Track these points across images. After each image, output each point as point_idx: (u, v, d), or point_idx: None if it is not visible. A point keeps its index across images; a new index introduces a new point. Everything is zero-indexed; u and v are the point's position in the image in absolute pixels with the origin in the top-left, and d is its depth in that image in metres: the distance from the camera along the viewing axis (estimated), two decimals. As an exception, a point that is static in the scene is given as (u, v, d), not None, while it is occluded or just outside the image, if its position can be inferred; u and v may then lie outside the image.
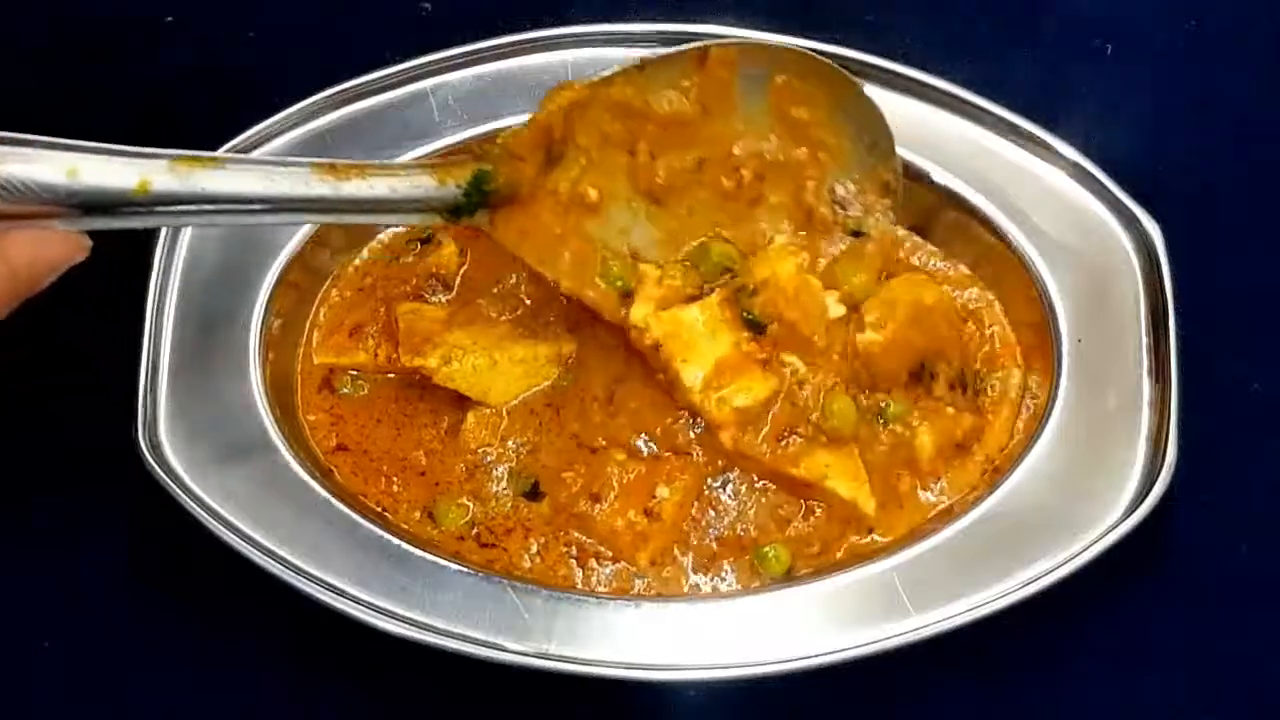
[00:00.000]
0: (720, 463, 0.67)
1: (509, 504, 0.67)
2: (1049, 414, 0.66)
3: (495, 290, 0.70)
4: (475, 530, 0.67)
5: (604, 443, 0.67)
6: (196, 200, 0.54)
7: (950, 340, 0.68)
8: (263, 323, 0.67)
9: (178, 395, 0.66)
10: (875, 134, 0.67)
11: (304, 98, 0.69)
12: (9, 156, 0.51)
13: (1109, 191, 0.68)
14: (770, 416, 0.66)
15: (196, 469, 0.65)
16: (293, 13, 0.78)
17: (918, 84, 0.69)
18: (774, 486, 0.67)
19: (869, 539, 0.67)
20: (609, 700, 0.68)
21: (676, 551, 0.67)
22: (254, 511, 0.64)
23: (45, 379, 0.72)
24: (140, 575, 0.70)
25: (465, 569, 0.64)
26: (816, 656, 0.62)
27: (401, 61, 0.69)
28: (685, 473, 0.67)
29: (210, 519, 0.63)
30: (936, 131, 0.69)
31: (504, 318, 0.69)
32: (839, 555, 0.66)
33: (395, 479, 0.68)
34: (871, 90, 0.69)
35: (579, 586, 0.66)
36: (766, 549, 0.66)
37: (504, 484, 0.68)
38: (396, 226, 0.70)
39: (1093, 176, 0.68)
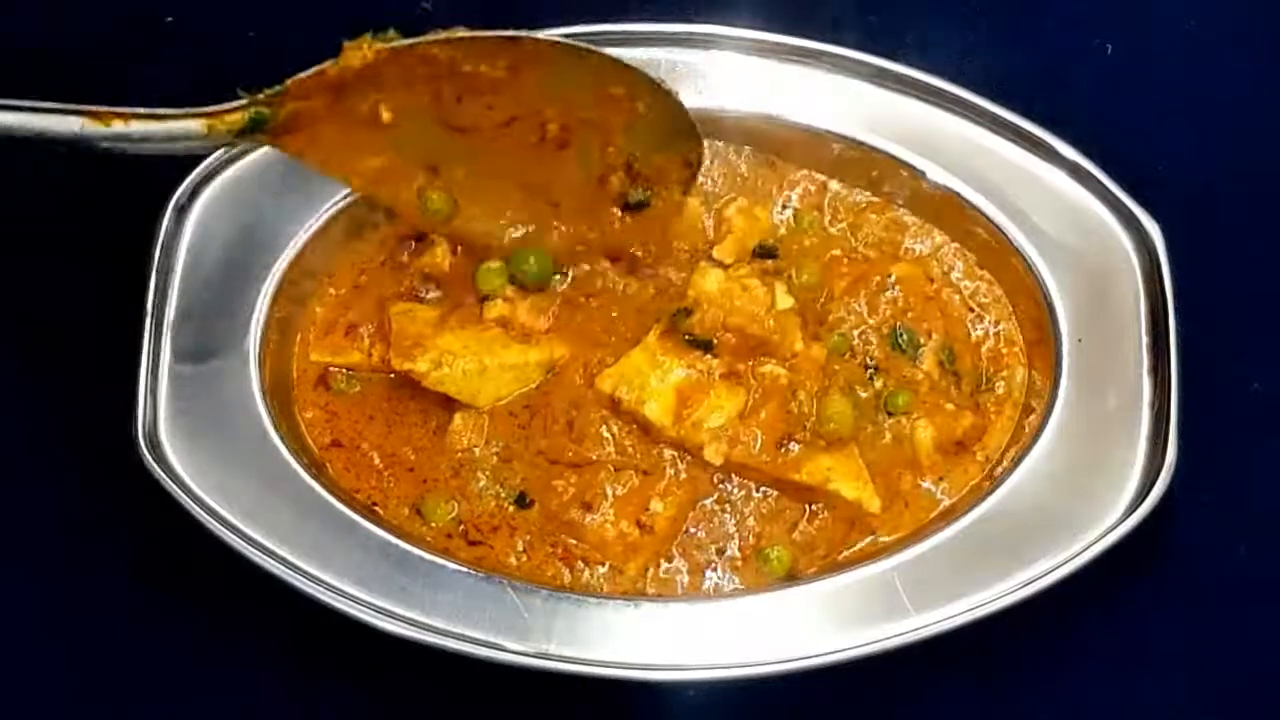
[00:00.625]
0: (716, 477, 0.67)
1: (493, 503, 0.67)
2: (1049, 414, 0.66)
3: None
4: (463, 528, 0.67)
5: (573, 457, 0.67)
6: None
7: (929, 310, 0.69)
8: (263, 323, 0.67)
9: (178, 395, 0.66)
10: (681, 121, 0.67)
11: (304, 98, 0.69)
12: None
13: (1109, 191, 0.68)
14: (763, 425, 0.66)
15: (196, 469, 0.65)
16: (293, 13, 0.78)
17: (918, 84, 0.69)
18: (775, 493, 0.67)
19: (870, 540, 0.66)
20: (609, 700, 0.68)
21: (677, 556, 0.67)
22: (254, 511, 0.64)
23: (45, 379, 0.72)
24: (140, 575, 0.70)
25: (465, 569, 0.64)
26: (816, 656, 0.62)
27: (401, 61, 0.69)
28: (680, 488, 0.67)
29: (210, 519, 0.63)
30: (936, 131, 0.69)
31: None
32: (845, 556, 0.66)
33: (386, 475, 0.68)
34: (872, 90, 0.69)
35: (566, 585, 0.66)
36: (769, 550, 0.66)
37: (486, 484, 0.68)
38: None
39: (1093, 176, 0.68)
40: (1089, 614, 0.68)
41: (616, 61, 0.64)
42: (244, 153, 0.68)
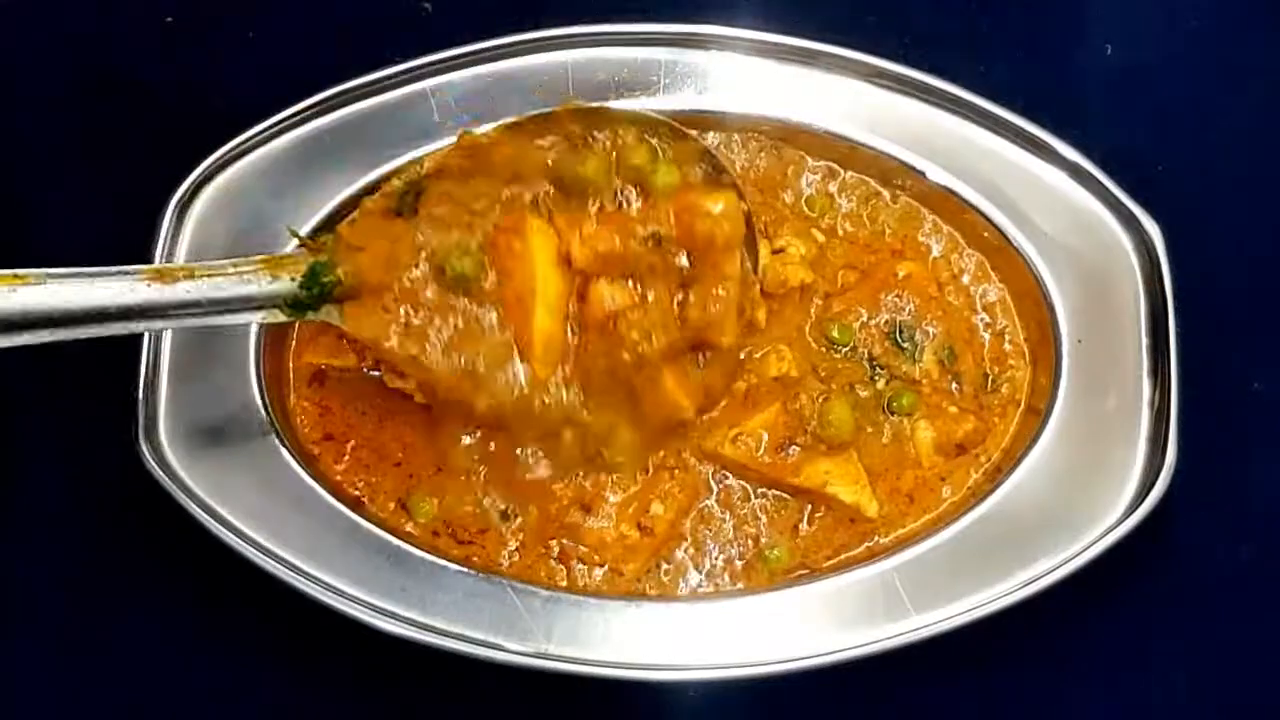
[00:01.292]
0: (716, 480, 0.67)
1: (474, 506, 0.67)
2: (1049, 414, 0.66)
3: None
4: (450, 528, 0.67)
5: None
6: (22, 324, 0.53)
7: (931, 309, 0.69)
8: (262, 323, 0.67)
9: (178, 395, 0.66)
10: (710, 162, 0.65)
11: (304, 98, 0.69)
12: None
13: (1109, 191, 0.68)
14: (766, 425, 0.66)
15: (196, 469, 0.65)
16: (293, 13, 0.78)
17: (918, 84, 0.69)
18: (774, 494, 0.67)
19: (872, 541, 0.67)
20: (609, 700, 0.68)
21: (677, 557, 0.67)
22: (254, 511, 0.64)
23: (45, 379, 0.72)
24: (140, 575, 0.70)
25: (465, 569, 0.64)
26: (816, 656, 0.62)
27: (401, 61, 0.69)
28: (681, 490, 0.67)
29: (210, 519, 0.64)
30: (937, 131, 0.69)
31: None
32: (845, 556, 0.66)
33: (374, 469, 0.68)
34: (872, 90, 0.69)
35: (564, 585, 0.66)
36: (769, 551, 0.66)
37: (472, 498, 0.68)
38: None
39: (1093, 176, 0.68)
40: (1089, 614, 0.68)
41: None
42: (244, 153, 0.68)
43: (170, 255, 0.67)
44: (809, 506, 0.67)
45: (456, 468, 0.67)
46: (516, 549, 0.67)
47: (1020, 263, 0.68)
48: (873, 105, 0.70)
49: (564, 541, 0.66)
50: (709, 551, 0.67)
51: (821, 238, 0.69)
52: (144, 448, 0.64)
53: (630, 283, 0.63)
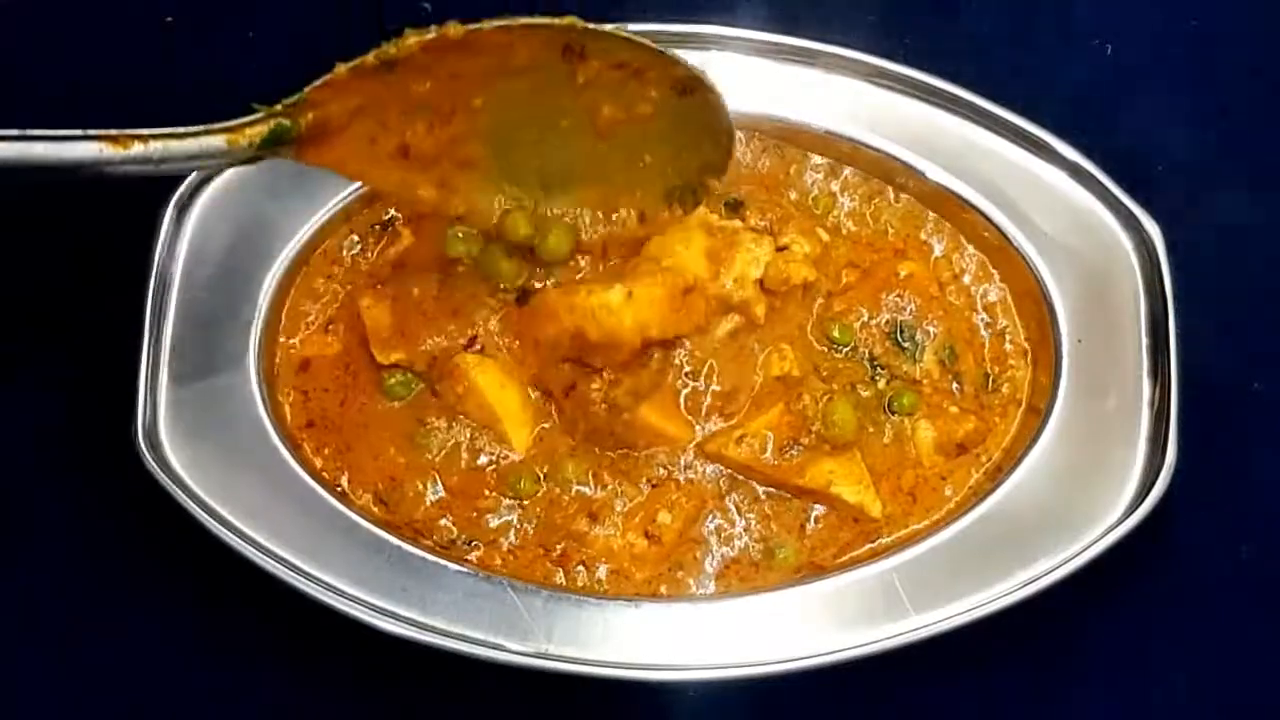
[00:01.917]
0: (722, 488, 0.67)
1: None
2: (1049, 414, 0.66)
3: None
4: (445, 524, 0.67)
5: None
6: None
7: (932, 309, 0.69)
8: (263, 323, 0.67)
9: (178, 395, 0.66)
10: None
11: (304, 98, 0.69)
12: None
13: (1109, 191, 0.68)
14: (771, 426, 0.66)
15: (196, 469, 0.65)
16: (293, 13, 0.78)
17: (918, 84, 0.69)
18: (779, 494, 0.67)
19: (877, 540, 0.66)
20: (609, 700, 0.68)
21: (686, 560, 0.66)
22: (254, 511, 0.64)
23: (45, 379, 0.72)
24: (140, 575, 0.70)
25: (464, 569, 0.64)
26: (816, 656, 0.62)
27: (401, 61, 0.69)
28: (689, 500, 0.67)
29: (210, 519, 0.63)
30: (937, 131, 0.69)
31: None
32: (849, 556, 0.66)
33: (352, 456, 0.68)
34: (872, 90, 0.69)
35: (566, 586, 0.66)
36: (776, 550, 0.66)
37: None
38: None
39: (1093, 176, 0.68)
40: (1089, 614, 0.68)
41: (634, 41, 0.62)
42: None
43: (170, 255, 0.67)
44: (814, 507, 0.67)
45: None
46: (510, 550, 0.66)
47: (1020, 263, 0.68)
48: (873, 105, 0.70)
49: (570, 545, 0.66)
50: (718, 554, 0.67)
51: (826, 236, 0.69)
52: (144, 448, 0.64)
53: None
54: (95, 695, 0.69)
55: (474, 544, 0.66)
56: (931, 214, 0.71)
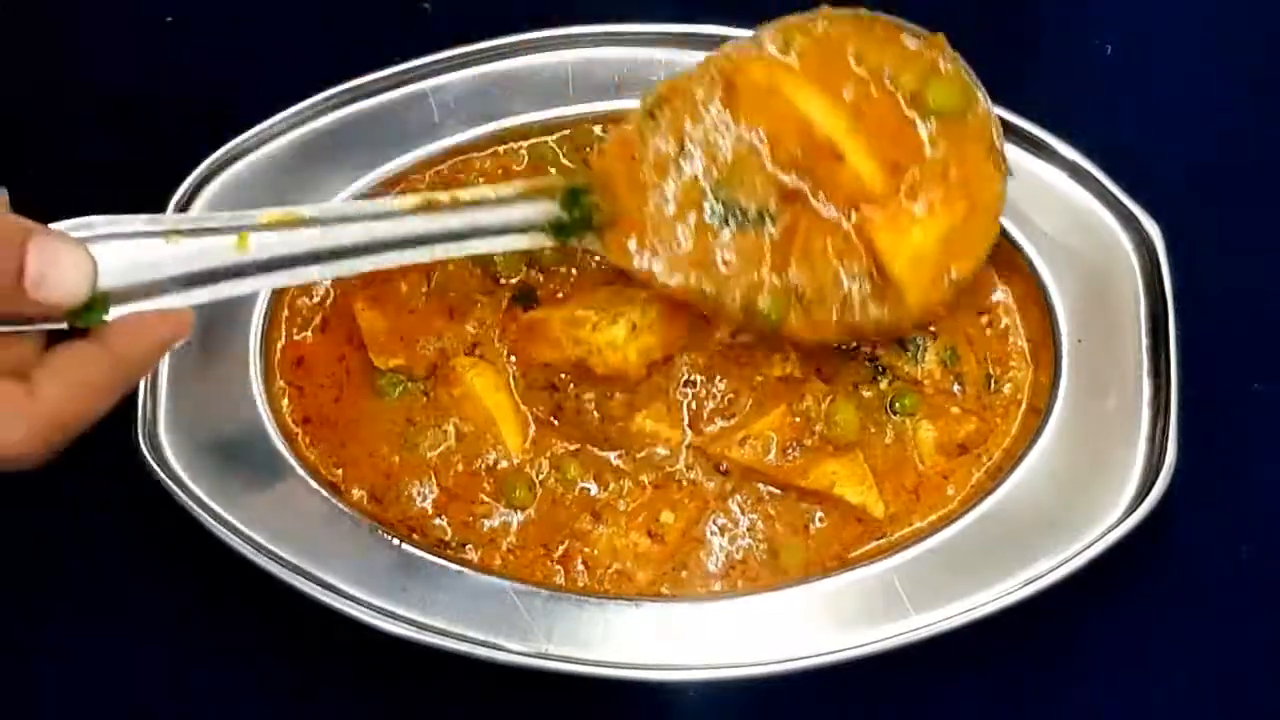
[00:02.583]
0: (726, 489, 0.67)
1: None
2: (1049, 414, 0.66)
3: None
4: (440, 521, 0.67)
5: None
6: (296, 261, 0.54)
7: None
8: (263, 323, 0.67)
9: (178, 395, 0.66)
10: None
11: (304, 98, 0.69)
12: (105, 235, 0.51)
13: (1109, 191, 0.68)
14: (773, 427, 0.66)
15: (196, 469, 0.65)
16: (293, 12, 0.77)
17: (918, 84, 0.69)
18: (781, 494, 0.67)
19: (881, 539, 0.66)
20: (609, 700, 0.68)
21: (689, 560, 0.66)
22: (254, 511, 0.64)
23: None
24: (140, 575, 0.70)
25: (465, 569, 0.64)
26: (816, 656, 0.62)
27: (401, 62, 0.69)
28: (691, 500, 0.66)
29: (210, 519, 0.64)
30: (936, 131, 0.69)
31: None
32: (851, 556, 0.66)
33: (351, 452, 0.67)
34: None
35: (566, 586, 0.66)
36: (783, 550, 0.66)
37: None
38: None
39: (1093, 176, 0.68)
40: (1089, 614, 0.68)
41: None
42: (244, 153, 0.68)
43: (170, 255, 0.67)
44: (817, 507, 0.67)
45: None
46: (509, 550, 0.66)
47: (1020, 263, 0.68)
48: (873, 105, 0.70)
49: (573, 544, 0.66)
50: (721, 554, 0.66)
51: None
52: (144, 448, 0.64)
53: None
54: (95, 695, 0.69)
55: (467, 546, 0.66)
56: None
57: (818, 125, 0.61)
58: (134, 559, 0.70)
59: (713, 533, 0.67)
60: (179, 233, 0.52)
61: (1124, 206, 0.67)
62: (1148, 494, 0.63)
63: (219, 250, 0.53)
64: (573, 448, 0.67)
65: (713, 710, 0.67)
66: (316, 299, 0.69)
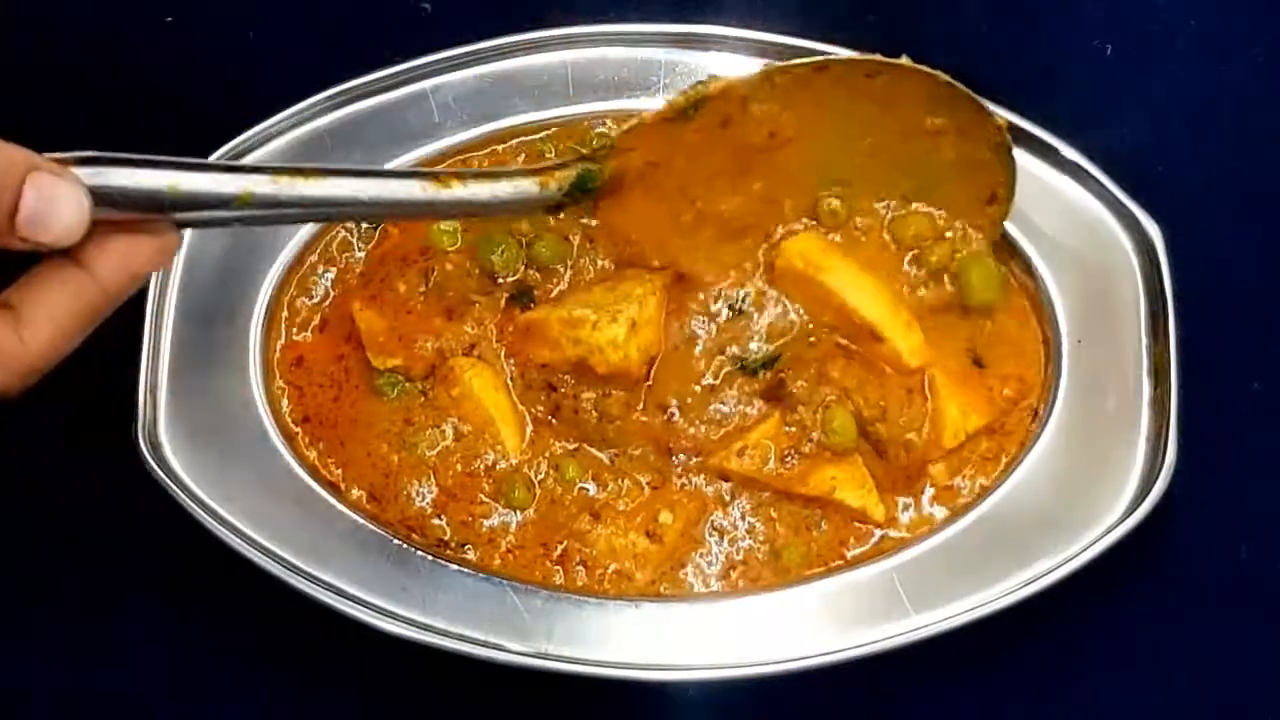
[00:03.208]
0: (726, 494, 0.67)
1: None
2: (1049, 414, 0.66)
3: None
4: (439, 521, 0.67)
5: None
6: (295, 204, 0.53)
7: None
8: (263, 323, 0.67)
9: (178, 395, 0.66)
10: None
11: (304, 98, 0.69)
12: (111, 171, 0.49)
13: (1109, 191, 0.68)
14: (770, 438, 0.66)
15: (196, 469, 0.65)
16: (293, 13, 0.77)
17: (918, 84, 0.69)
18: (781, 499, 0.67)
19: (883, 537, 0.66)
20: (609, 700, 0.68)
21: (689, 561, 0.66)
22: (254, 511, 0.64)
23: (45, 378, 0.72)
24: (140, 575, 0.70)
25: (465, 569, 0.64)
26: (816, 656, 0.62)
27: (401, 62, 0.69)
28: (691, 500, 0.66)
29: (210, 519, 0.64)
30: (936, 131, 0.69)
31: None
32: (851, 556, 0.66)
33: (350, 451, 0.67)
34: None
35: (566, 586, 0.66)
36: (783, 550, 0.66)
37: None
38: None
39: (1093, 176, 0.68)
40: (1089, 614, 0.68)
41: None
42: (244, 153, 0.68)
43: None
44: (819, 512, 0.67)
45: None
46: (509, 550, 0.66)
47: (1021, 263, 0.68)
48: (873, 105, 0.70)
49: (572, 544, 0.66)
50: (721, 554, 0.66)
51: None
52: (144, 448, 0.64)
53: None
54: (95, 695, 0.69)
55: (466, 546, 0.66)
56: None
57: (856, 311, 0.65)
58: (134, 559, 0.70)
59: (712, 533, 0.66)
60: (183, 166, 0.51)
61: (1124, 207, 0.67)
62: (1148, 494, 0.63)
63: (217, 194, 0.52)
64: (571, 447, 0.67)
65: (713, 710, 0.67)
66: (315, 299, 0.69)
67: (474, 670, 0.63)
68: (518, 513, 0.66)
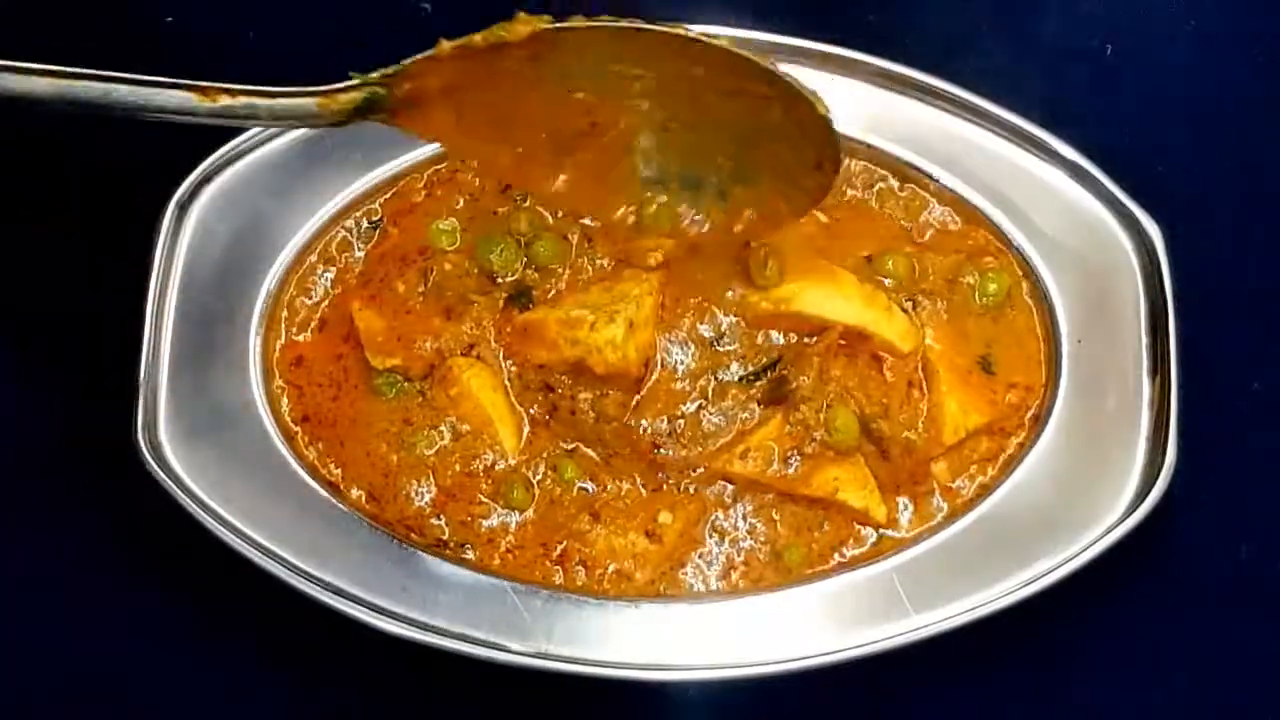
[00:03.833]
0: (727, 496, 0.67)
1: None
2: (1049, 414, 0.66)
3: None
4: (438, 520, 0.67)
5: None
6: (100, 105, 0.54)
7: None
8: (263, 323, 0.67)
9: (178, 395, 0.66)
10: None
11: (304, 98, 0.69)
12: None
13: (1109, 191, 0.68)
14: (773, 439, 0.66)
15: (196, 469, 0.65)
16: (293, 13, 0.78)
17: (918, 84, 0.69)
18: (784, 501, 0.67)
19: (882, 536, 0.66)
20: (609, 700, 0.68)
21: (690, 561, 0.66)
22: (254, 511, 0.64)
23: (46, 378, 0.72)
24: (140, 575, 0.70)
25: (464, 569, 0.64)
26: (816, 656, 0.62)
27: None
28: (691, 502, 0.66)
29: (210, 519, 0.64)
30: (937, 132, 0.69)
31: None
32: (851, 556, 0.66)
33: (349, 451, 0.67)
34: (872, 90, 0.69)
35: (566, 586, 0.66)
36: (786, 552, 0.65)
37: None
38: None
39: (1093, 176, 0.68)
40: (1089, 614, 0.68)
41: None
42: (244, 153, 0.68)
43: (170, 255, 0.67)
44: (821, 512, 0.67)
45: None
46: (508, 550, 0.66)
47: (1021, 263, 0.68)
48: (873, 105, 0.70)
49: (572, 545, 0.66)
50: (722, 555, 0.66)
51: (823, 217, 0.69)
52: (144, 447, 0.64)
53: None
54: (95, 695, 0.69)
55: (465, 546, 0.66)
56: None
57: (837, 323, 0.66)
58: (134, 559, 0.70)
59: (712, 534, 0.66)
60: None
61: (1124, 206, 0.67)
62: (1148, 494, 0.63)
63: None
64: (568, 448, 0.67)
65: (713, 710, 0.67)
66: (315, 299, 0.69)
67: (474, 670, 0.63)
68: (517, 513, 0.66)
